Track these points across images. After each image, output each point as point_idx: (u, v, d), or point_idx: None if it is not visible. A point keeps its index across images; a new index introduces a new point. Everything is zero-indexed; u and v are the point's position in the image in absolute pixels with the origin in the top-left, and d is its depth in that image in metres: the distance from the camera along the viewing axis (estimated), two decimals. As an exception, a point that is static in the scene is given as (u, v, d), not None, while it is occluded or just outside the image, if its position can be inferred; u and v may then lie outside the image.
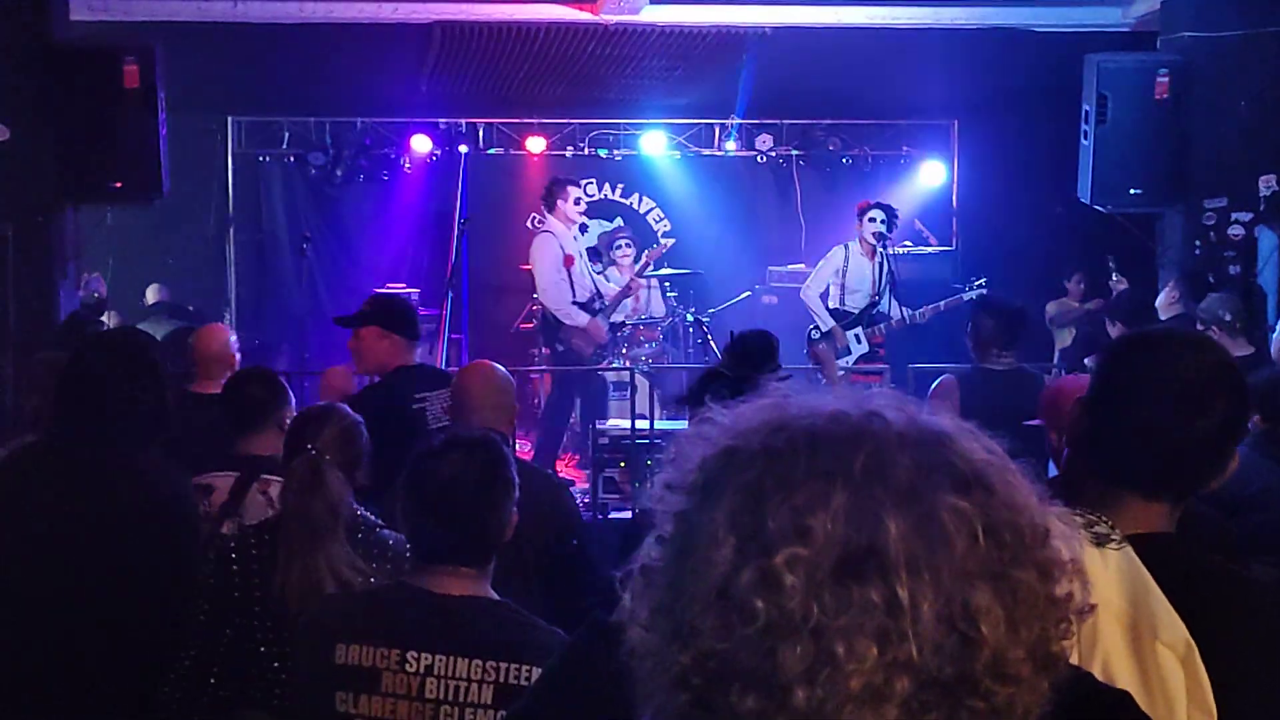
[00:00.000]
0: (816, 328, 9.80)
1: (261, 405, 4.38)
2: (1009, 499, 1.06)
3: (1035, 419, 4.73)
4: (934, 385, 6.31)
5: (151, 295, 11.41)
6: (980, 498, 1.04)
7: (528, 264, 10.44)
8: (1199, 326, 6.76)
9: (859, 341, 9.73)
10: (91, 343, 4.02)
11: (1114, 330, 8.01)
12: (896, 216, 10.02)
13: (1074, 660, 1.20)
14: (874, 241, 9.67)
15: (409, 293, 11.86)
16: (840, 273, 9.87)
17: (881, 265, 9.68)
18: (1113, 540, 2.04)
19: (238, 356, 6.22)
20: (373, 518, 3.55)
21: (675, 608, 1.06)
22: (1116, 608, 1.98)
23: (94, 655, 3.55)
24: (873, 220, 9.72)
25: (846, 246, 9.90)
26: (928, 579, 1.00)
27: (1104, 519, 2.06)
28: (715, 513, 1.06)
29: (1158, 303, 7.98)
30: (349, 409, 3.82)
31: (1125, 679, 1.92)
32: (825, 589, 1.00)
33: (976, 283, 9.53)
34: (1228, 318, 6.75)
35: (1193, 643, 1.94)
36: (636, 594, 1.11)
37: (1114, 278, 10.40)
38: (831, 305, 9.86)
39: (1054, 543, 1.09)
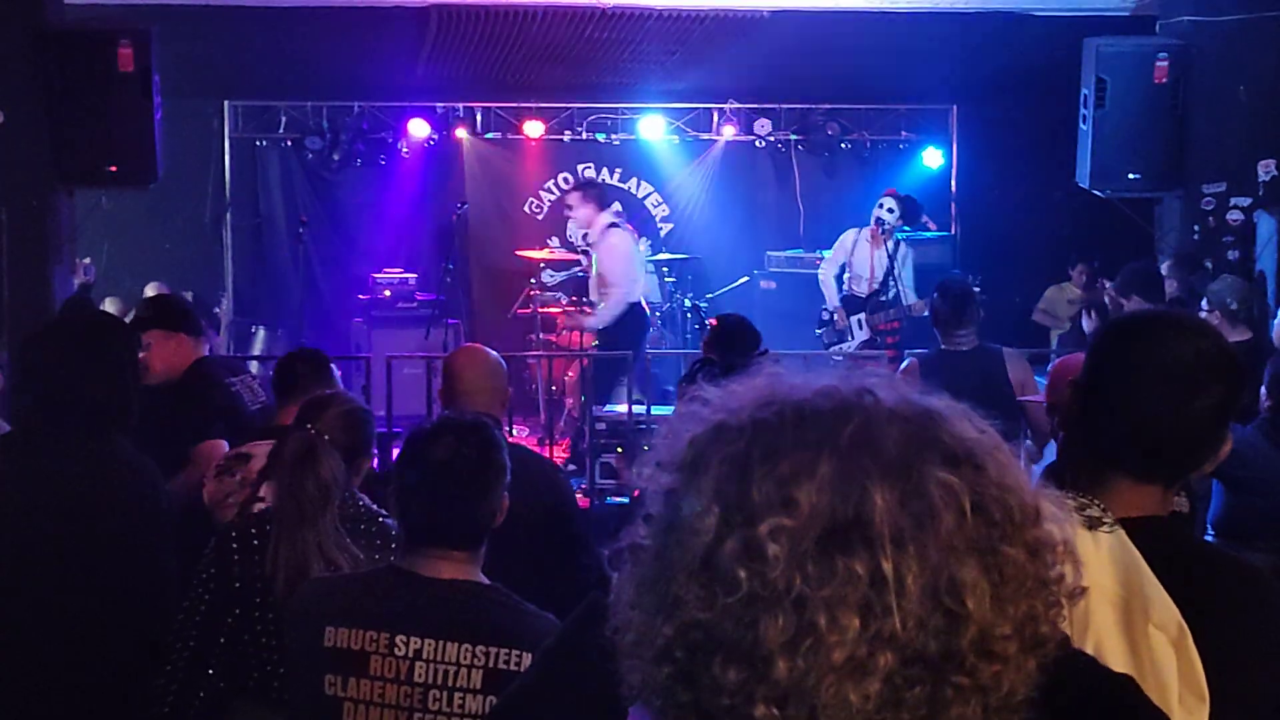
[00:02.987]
0: (825, 308, 9.88)
1: (303, 380, 4.63)
2: (999, 477, 1.05)
3: (1015, 395, 4.73)
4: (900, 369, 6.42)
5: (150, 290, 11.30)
6: (969, 474, 1.04)
7: (524, 249, 10.47)
8: (1205, 308, 6.75)
9: (861, 327, 9.75)
10: (43, 332, 4.01)
11: (1088, 324, 8.06)
12: (912, 207, 10.03)
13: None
14: (875, 227, 9.70)
15: (407, 277, 11.89)
16: (848, 256, 9.92)
17: (895, 254, 9.71)
18: (1105, 523, 2.03)
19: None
20: (375, 507, 3.53)
21: (660, 580, 1.06)
22: (1108, 591, 1.97)
23: (74, 646, 3.54)
24: (881, 206, 9.75)
25: (858, 231, 9.94)
26: (913, 552, 0.99)
27: (1096, 502, 2.06)
28: (701, 484, 1.05)
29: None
30: (353, 396, 3.82)
31: (1117, 661, 1.91)
32: (809, 559, 0.99)
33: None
34: (1234, 305, 6.74)
35: (1185, 625, 1.94)
36: (625, 571, 1.11)
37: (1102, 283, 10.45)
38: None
39: (1045, 524, 1.08)
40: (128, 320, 5.59)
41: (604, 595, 1.15)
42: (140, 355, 5.30)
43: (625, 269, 9.67)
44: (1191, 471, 2.26)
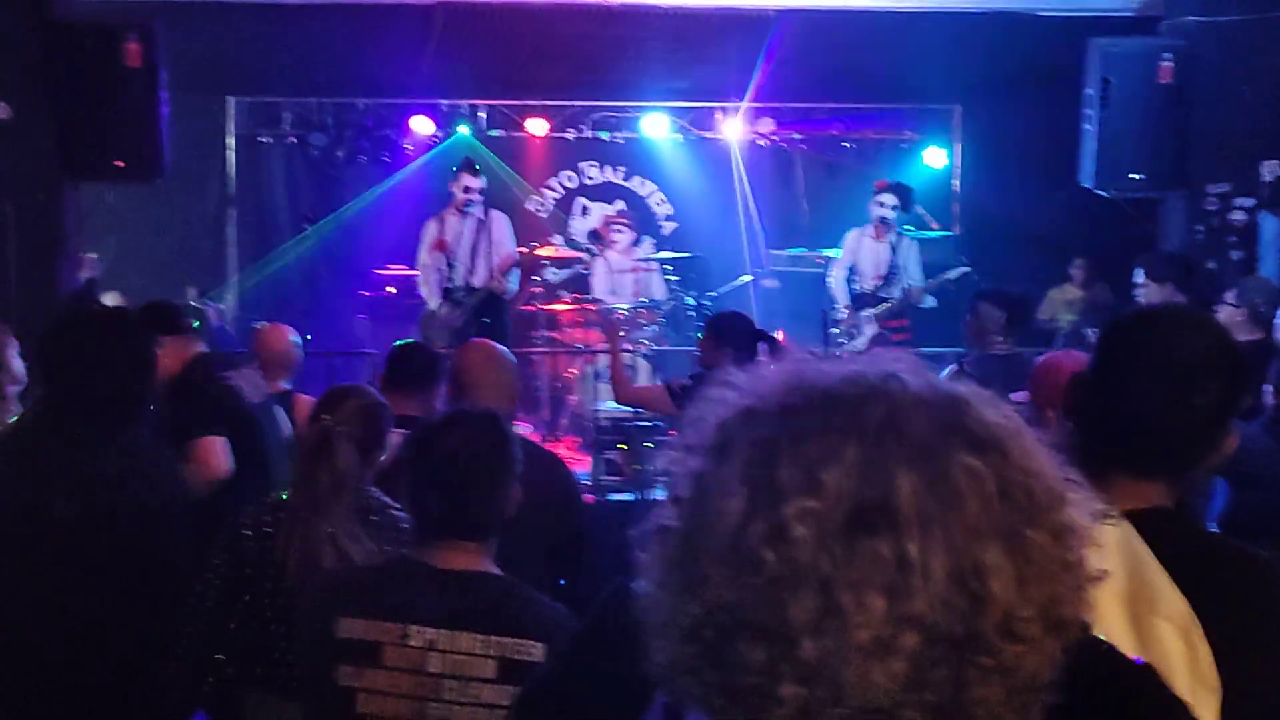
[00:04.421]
0: (837, 308, 9.95)
1: (418, 373, 4.88)
2: (1024, 463, 1.07)
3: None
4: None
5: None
6: (995, 459, 1.05)
7: (526, 246, 10.50)
8: (1230, 301, 6.73)
9: (869, 323, 9.79)
10: (67, 322, 4.03)
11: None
12: (906, 194, 10.07)
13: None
14: (881, 224, 9.75)
15: (410, 274, 11.89)
16: (854, 255, 9.98)
17: (896, 248, 9.76)
18: (1110, 516, 2.04)
19: (299, 355, 6.25)
20: (387, 499, 3.55)
21: (688, 561, 1.07)
22: (1116, 583, 1.98)
23: (89, 635, 3.56)
24: (882, 204, 9.78)
25: (860, 229, 10.01)
26: (938, 535, 1.00)
27: (1101, 495, 2.06)
28: (729, 467, 1.07)
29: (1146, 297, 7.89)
30: (371, 390, 3.85)
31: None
32: (835, 542, 1.00)
33: (963, 266, 9.68)
34: (1261, 308, 6.71)
35: (1193, 616, 1.95)
36: (652, 552, 1.12)
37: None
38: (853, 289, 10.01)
39: (1069, 509, 1.09)
40: None
41: (627, 581, 1.16)
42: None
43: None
44: (1192, 468, 2.27)
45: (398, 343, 5.27)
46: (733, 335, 6.02)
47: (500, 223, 10.19)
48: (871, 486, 1.02)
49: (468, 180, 10.13)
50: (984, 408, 1.09)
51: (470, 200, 9.97)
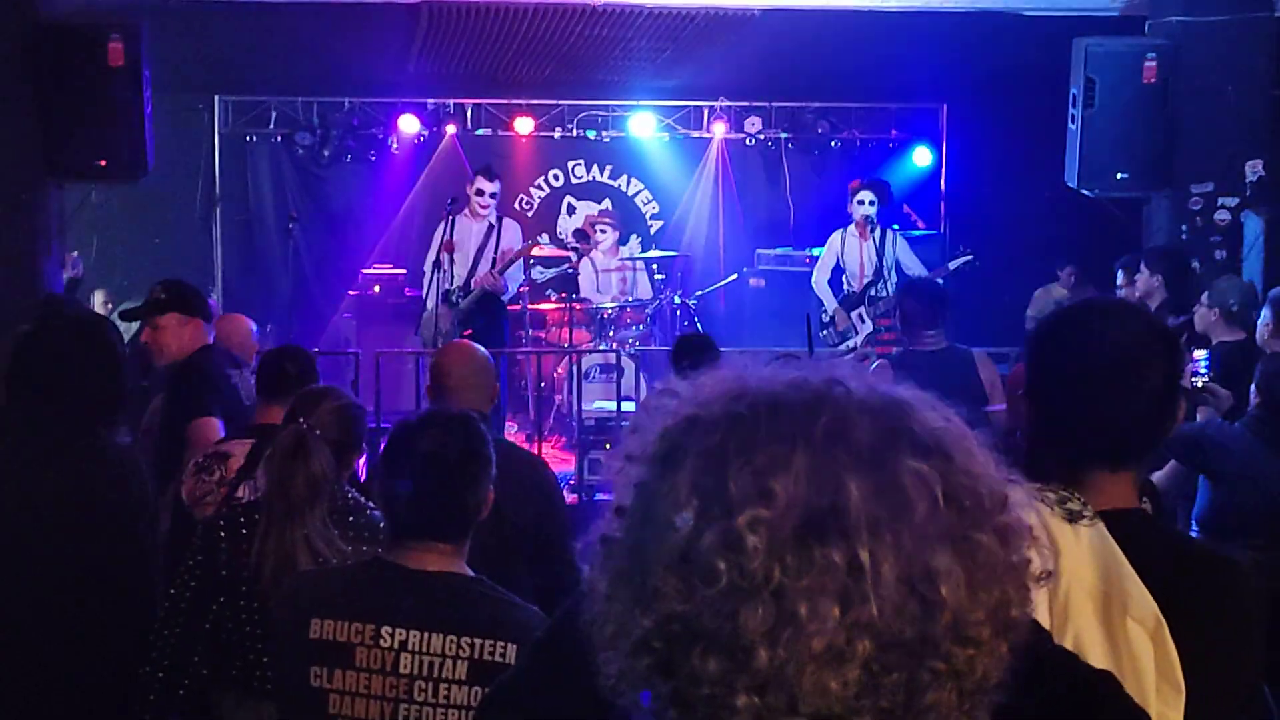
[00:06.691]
0: (825, 311, 9.97)
1: (291, 380, 4.54)
2: (967, 466, 1.07)
3: (988, 396, 4.71)
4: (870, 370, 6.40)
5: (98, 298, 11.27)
6: (940, 463, 1.05)
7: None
8: (1204, 303, 6.74)
9: (863, 321, 9.82)
10: (44, 323, 4.03)
11: None
12: (888, 191, 10.10)
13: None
14: (864, 222, 9.78)
15: (396, 273, 11.89)
16: (838, 257, 10.01)
17: (883, 244, 9.79)
18: (1085, 516, 2.04)
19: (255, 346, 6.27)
20: (364, 500, 3.54)
21: (637, 573, 1.06)
22: (1089, 584, 1.98)
23: (60, 636, 3.55)
24: (860, 203, 9.81)
25: (843, 230, 10.05)
26: (889, 541, 1.01)
27: (1076, 495, 2.07)
28: (677, 478, 1.06)
29: (1136, 291, 7.89)
30: (346, 391, 3.83)
31: (1096, 654, 1.92)
32: (787, 550, 1.00)
33: (964, 255, 9.67)
34: (1234, 307, 6.72)
35: (1161, 618, 1.95)
36: (597, 565, 1.12)
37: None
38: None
39: (1014, 510, 1.09)
40: (140, 304, 5.67)
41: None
42: (143, 339, 5.42)
43: None
44: (1154, 449, 2.29)
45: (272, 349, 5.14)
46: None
47: (511, 230, 10.21)
48: (821, 494, 1.01)
49: (482, 184, 10.11)
50: (926, 411, 1.10)
51: (486, 206, 9.99)
